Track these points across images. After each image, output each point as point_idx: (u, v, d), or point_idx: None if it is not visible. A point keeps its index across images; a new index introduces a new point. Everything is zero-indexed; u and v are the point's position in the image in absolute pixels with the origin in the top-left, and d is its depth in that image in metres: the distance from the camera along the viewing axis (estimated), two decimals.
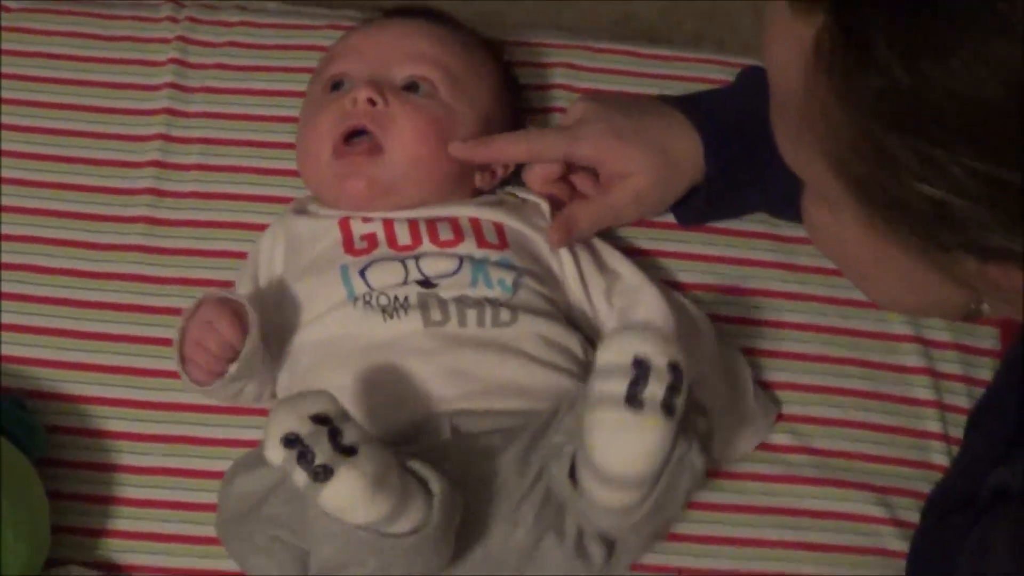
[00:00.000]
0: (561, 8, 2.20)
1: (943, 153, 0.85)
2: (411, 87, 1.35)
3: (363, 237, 1.32)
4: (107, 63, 1.55)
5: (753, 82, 1.40)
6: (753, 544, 1.36)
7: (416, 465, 1.13)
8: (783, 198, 1.15)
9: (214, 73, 1.55)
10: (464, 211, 1.35)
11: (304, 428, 1.05)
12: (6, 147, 1.49)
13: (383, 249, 1.31)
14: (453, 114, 1.36)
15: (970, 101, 0.83)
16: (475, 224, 1.34)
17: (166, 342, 1.37)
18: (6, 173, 1.47)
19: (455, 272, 1.29)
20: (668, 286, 1.41)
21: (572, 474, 1.14)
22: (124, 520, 1.34)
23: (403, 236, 1.32)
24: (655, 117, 1.39)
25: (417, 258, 1.30)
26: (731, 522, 1.36)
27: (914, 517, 1.36)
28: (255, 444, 1.30)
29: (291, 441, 1.04)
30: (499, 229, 1.35)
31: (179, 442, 1.36)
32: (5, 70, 1.54)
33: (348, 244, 1.32)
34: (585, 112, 1.38)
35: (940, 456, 1.41)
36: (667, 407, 1.07)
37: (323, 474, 1.04)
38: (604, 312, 1.36)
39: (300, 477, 1.04)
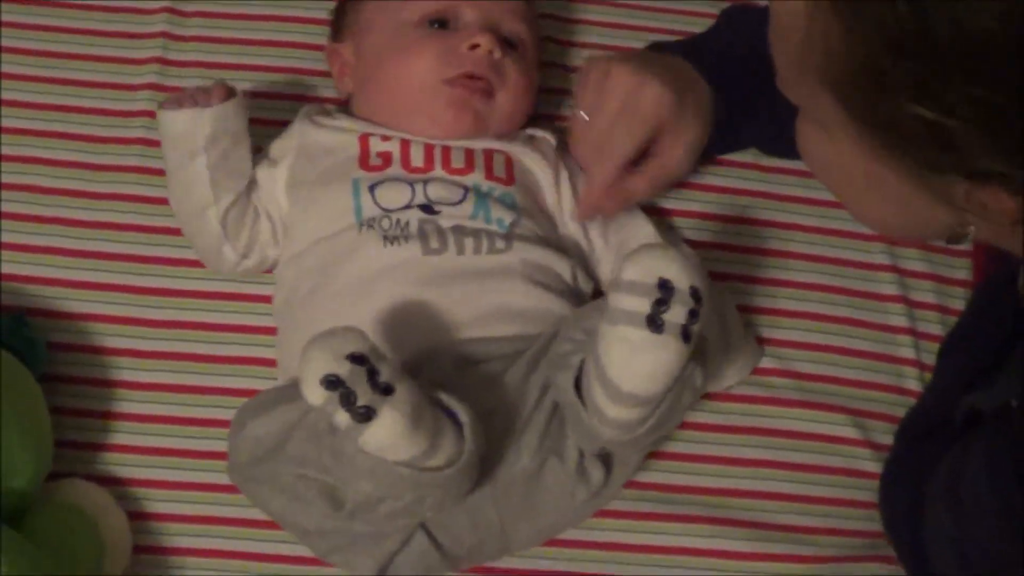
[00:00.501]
0: None
1: (938, 77, 0.89)
2: (512, 44, 1.39)
3: (379, 154, 1.35)
4: None
5: (735, 23, 1.44)
6: (735, 463, 1.40)
7: (444, 396, 1.15)
8: (771, 133, 1.18)
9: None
10: (479, 143, 1.38)
11: (343, 369, 1.06)
12: (5, 70, 1.50)
13: (396, 169, 1.34)
14: (534, 75, 1.42)
15: (965, 29, 0.87)
16: (487, 155, 1.37)
17: (165, 261, 1.42)
18: (4, 95, 1.49)
19: (459, 202, 1.32)
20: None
21: (577, 385, 1.17)
22: (123, 435, 1.36)
23: (417, 158, 1.35)
24: (679, 70, 1.37)
25: (426, 182, 1.33)
26: (714, 441, 1.40)
27: (888, 440, 1.40)
28: (256, 361, 1.38)
29: (332, 382, 1.06)
30: (508, 163, 1.37)
31: (178, 359, 1.39)
32: None
33: (364, 159, 1.35)
34: (631, 79, 1.33)
35: (913, 382, 1.45)
36: (685, 332, 1.10)
37: (366, 415, 1.06)
38: (600, 247, 1.40)
39: (343, 418, 1.06)
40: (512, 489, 1.24)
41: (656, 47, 1.46)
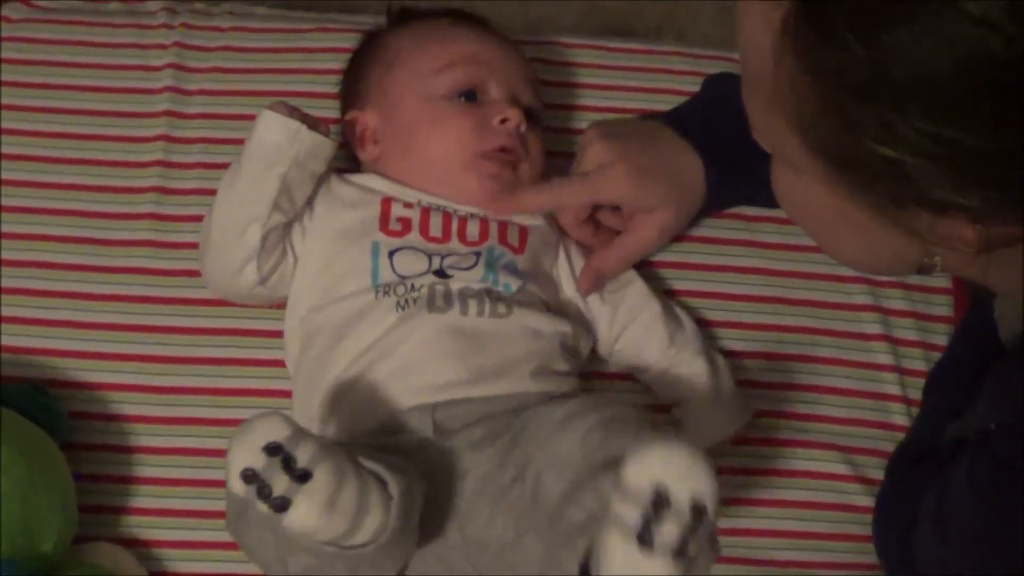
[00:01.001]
0: (528, 2, 2.27)
1: (897, 117, 0.95)
2: (530, 114, 1.44)
3: (399, 219, 1.39)
4: (109, 69, 1.61)
5: (718, 89, 1.50)
6: (732, 503, 1.43)
7: (374, 466, 1.14)
8: (758, 188, 1.23)
9: (211, 76, 1.61)
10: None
11: (259, 462, 1.07)
12: (20, 151, 1.55)
13: (414, 236, 1.38)
14: (543, 142, 1.47)
15: (920, 70, 0.92)
16: (502, 226, 1.41)
17: (176, 330, 1.47)
18: (21, 176, 1.54)
19: (470, 267, 1.36)
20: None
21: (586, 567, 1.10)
22: (144, 498, 1.41)
23: (435, 228, 1.39)
24: (664, 144, 1.44)
25: (443, 256, 1.36)
26: None
27: (878, 474, 1.43)
28: None
29: (248, 476, 1.07)
30: (522, 233, 1.42)
31: (192, 423, 1.43)
32: (7, 78, 1.60)
33: (384, 222, 1.38)
34: (604, 155, 1.41)
35: (900, 417, 1.49)
36: (679, 552, 1.00)
37: (281, 505, 1.07)
38: (596, 306, 1.45)
39: (262, 508, 1.08)
40: (486, 549, 1.24)
41: (649, 118, 1.51)
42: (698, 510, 1.01)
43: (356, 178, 1.44)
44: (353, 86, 1.50)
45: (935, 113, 0.94)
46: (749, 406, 1.46)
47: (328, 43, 1.59)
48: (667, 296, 1.49)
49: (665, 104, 1.56)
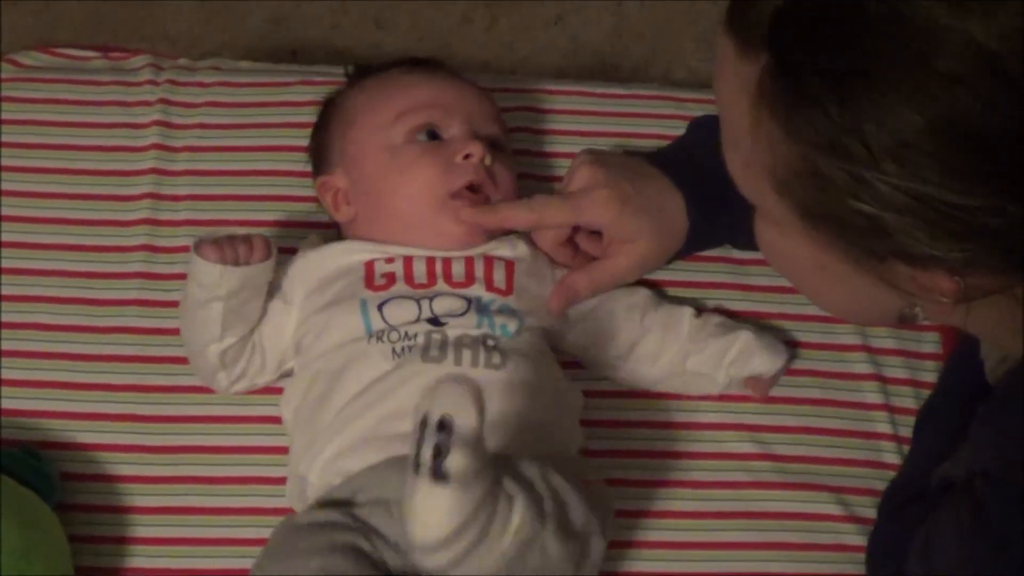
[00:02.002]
0: (514, 41, 2.28)
1: (871, 173, 0.96)
2: (494, 145, 1.45)
3: (383, 275, 1.40)
4: (96, 127, 1.62)
5: (702, 132, 1.49)
6: (722, 547, 1.44)
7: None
8: (741, 229, 1.24)
9: (196, 132, 1.62)
10: (478, 249, 1.44)
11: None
12: (11, 212, 1.56)
13: (400, 286, 1.39)
14: (514, 168, 1.48)
15: (892, 127, 0.94)
16: (487, 265, 1.42)
17: (167, 389, 1.47)
18: (12, 237, 1.54)
19: (463, 314, 1.37)
20: None
21: None
22: (139, 558, 1.40)
23: (420, 274, 1.40)
24: (650, 179, 1.45)
25: (431, 299, 1.38)
26: (700, 528, 1.44)
27: (870, 514, 1.44)
28: (261, 480, 1.43)
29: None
30: (509, 271, 1.43)
31: (185, 482, 1.43)
32: (4, 138, 1.61)
33: (369, 281, 1.40)
34: (590, 179, 1.43)
35: (892, 455, 1.49)
36: (436, 473, 1.04)
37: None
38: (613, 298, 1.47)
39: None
40: None
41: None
42: (446, 427, 1.03)
43: (336, 251, 1.44)
44: (318, 152, 1.52)
45: (910, 169, 0.95)
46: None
47: (313, 96, 1.60)
48: None
49: (651, 149, 1.57)
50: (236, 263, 1.34)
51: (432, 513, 1.06)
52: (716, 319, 1.49)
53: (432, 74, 1.51)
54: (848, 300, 1.16)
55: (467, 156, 1.42)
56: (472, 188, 1.42)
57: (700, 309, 1.50)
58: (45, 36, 1.84)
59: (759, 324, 1.53)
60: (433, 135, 1.44)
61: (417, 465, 1.04)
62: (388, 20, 2.29)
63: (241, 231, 1.38)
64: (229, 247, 1.35)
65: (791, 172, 1.02)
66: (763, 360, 1.47)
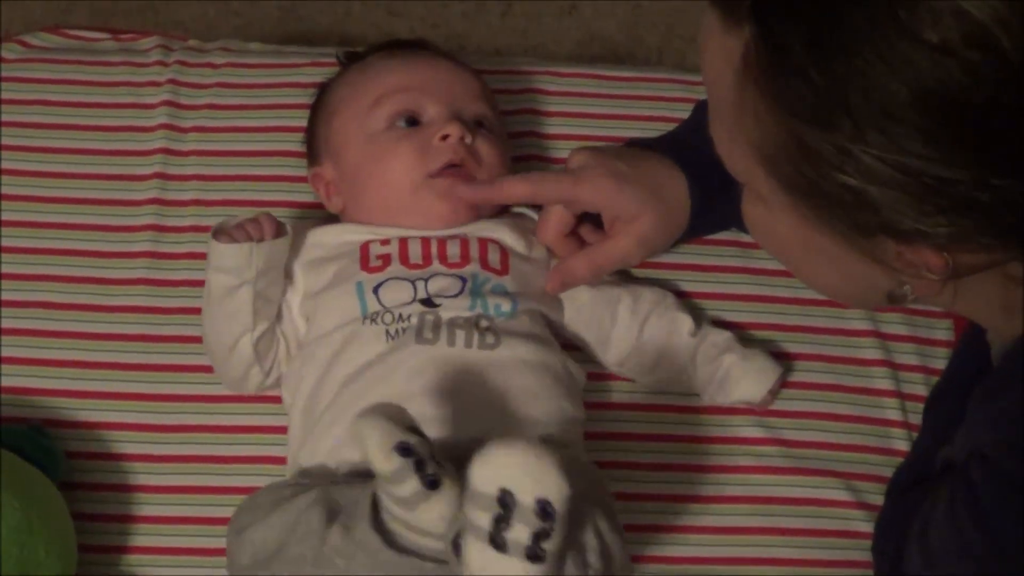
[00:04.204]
0: (527, 29, 2.28)
1: (856, 145, 0.95)
2: (479, 124, 1.45)
3: (378, 256, 1.40)
4: (104, 107, 1.62)
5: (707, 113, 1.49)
6: (730, 532, 1.43)
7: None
8: None
9: (205, 113, 1.62)
10: (475, 228, 1.43)
11: (412, 438, 1.05)
12: (12, 191, 1.56)
13: (396, 267, 1.39)
14: (503, 146, 1.47)
15: (877, 97, 0.93)
16: (482, 246, 1.42)
17: (173, 368, 1.48)
18: (19, 216, 1.55)
19: (457, 294, 1.36)
20: None
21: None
22: (143, 536, 1.41)
23: (415, 255, 1.40)
24: (649, 161, 1.44)
25: (427, 280, 1.37)
26: (709, 512, 1.44)
27: (879, 500, 1.42)
28: (265, 459, 1.42)
29: (406, 450, 1.04)
30: (503, 253, 1.42)
31: (192, 461, 1.44)
32: (4, 118, 1.61)
33: (364, 263, 1.39)
34: (586, 159, 1.42)
35: (901, 442, 1.49)
36: (532, 554, 1.01)
37: (432, 483, 1.05)
38: (615, 292, 1.46)
39: (412, 485, 1.05)
40: None
41: (636, 143, 1.51)
42: (544, 510, 1.00)
43: (331, 232, 1.45)
44: (310, 144, 1.52)
45: (895, 141, 0.94)
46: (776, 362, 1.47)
47: (322, 77, 1.59)
48: None
49: (659, 132, 1.55)
50: (258, 242, 1.35)
51: None
52: (712, 338, 1.46)
53: (412, 57, 1.51)
54: (836, 279, 1.15)
55: (444, 137, 1.42)
56: (453, 168, 1.42)
57: (699, 319, 1.48)
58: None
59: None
60: (412, 120, 1.44)
61: (502, 543, 1.01)
62: (400, 7, 2.29)
63: (246, 215, 1.38)
64: (240, 231, 1.35)
65: (776, 146, 1.01)
66: (747, 387, 1.45)
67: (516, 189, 1.42)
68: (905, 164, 0.94)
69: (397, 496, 1.07)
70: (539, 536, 1.01)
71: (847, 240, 1.04)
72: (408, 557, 1.12)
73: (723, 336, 1.46)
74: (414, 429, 1.07)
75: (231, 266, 1.35)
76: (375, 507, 1.14)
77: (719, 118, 1.08)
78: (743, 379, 1.45)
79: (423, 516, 1.08)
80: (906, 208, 0.97)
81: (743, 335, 1.51)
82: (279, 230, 1.37)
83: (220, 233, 1.35)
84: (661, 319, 1.46)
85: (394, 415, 1.07)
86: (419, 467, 1.05)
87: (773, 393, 1.46)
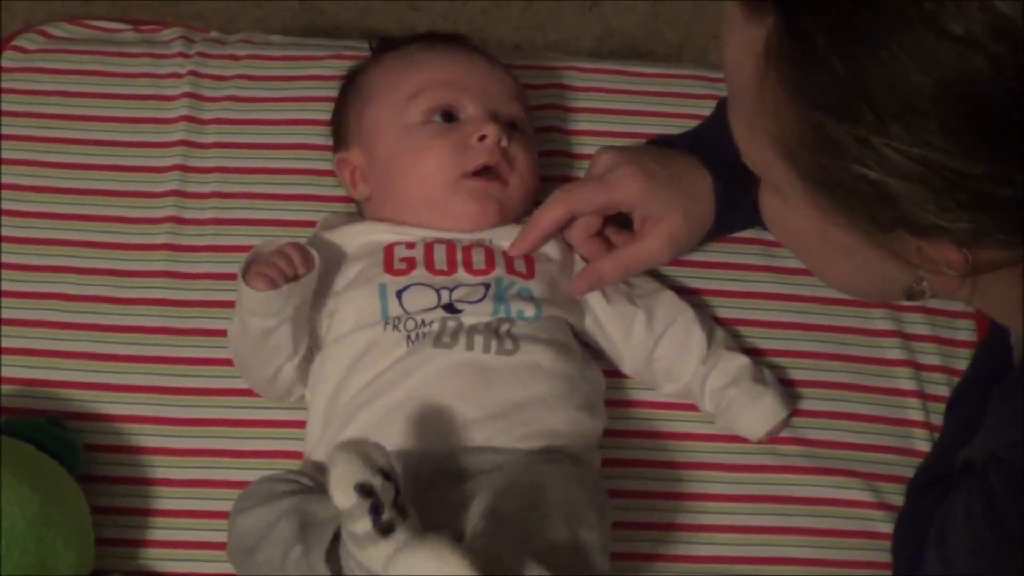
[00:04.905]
0: (547, 24, 2.27)
1: (878, 138, 0.94)
2: (513, 126, 1.44)
3: (403, 259, 1.39)
4: (124, 99, 1.62)
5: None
6: (750, 531, 1.43)
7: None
8: None
9: (226, 105, 1.62)
10: (500, 235, 1.43)
11: (376, 480, 1.06)
12: (33, 183, 1.56)
13: (420, 271, 1.38)
14: (534, 149, 1.47)
15: (900, 90, 0.92)
16: (507, 254, 1.41)
17: (193, 361, 1.47)
18: (37, 207, 1.55)
19: (479, 300, 1.36)
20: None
21: None
22: (161, 530, 1.40)
23: (440, 261, 1.39)
24: (675, 159, 1.43)
25: (451, 289, 1.36)
26: (729, 511, 1.43)
27: (899, 501, 1.42)
28: (283, 454, 1.41)
29: (367, 491, 1.05)
30: (529, 257, 1.41)
31: (210, 455, 1.43)
32: (24, 108, 1.61)
33: (388, 264, 1.38)
34: (612, 160, 1.41)
35: (923, 443, 1.47)
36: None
37: (387, 528, 1.05)
38: (629, 310, 1.44)
39: (364, 525, 1.06)
40: None
41: (661, 140, 1.51)
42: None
43: (355, 231, 1.44)
44: (338, 128, 1.51)
45: (918, 134, 0.93)
46: (788, 397, 1.46)
47: (344, 70, 1.58)
48: None
49: (682, 128, 1.55)
50: (286, 279, 1.33)
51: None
52: (722, 366, 1.44)
53: (451, 51, 1.50)
54: (852, 274, 1.14)
55: (482, 138, 1.41)
56: (487, 170, 1.41)
57: (713, 341, 1.46)
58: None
59: (788, 310, 1.52)
60: (449, 116, 1.43)
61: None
62: (421, 3, 2.29)
63: (274, 245, 1.36)
64: (274, 270, 1.33)
65: (797, 137, 1.00)
66: (748, 425, 1.43)
67: (550, 217, 1.41)
68: (926, 157, 0.93)
69: (351, 532, 1.08)
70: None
71: (865, 234, 1.04)
72: None
73: (734, 364, 1.44)
74: (384, 471, 1.07)
75: (268, 311, 1.33)
76: (337, 536, 1.14)
77: (739, 109, 1.07)
78: (743, 416, 1.43)
79: (371, 556, 1.07)
80: (926, 202, 0.96)
81: (764, 334, 1.51)
82: (308, 261, 1.35)
83: (249, 275, 1.33)
84: (674, 339, 1.44)
85: (368, 452, 1.08)
86: (375, 510, 1.06)
87: (772, 435, 1.45)
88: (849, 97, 0.94)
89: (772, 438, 1.46)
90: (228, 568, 1.36)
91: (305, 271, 1.34)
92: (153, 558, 1.40)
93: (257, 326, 1.34)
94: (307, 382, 1.39)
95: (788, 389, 1.47)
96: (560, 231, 1.44)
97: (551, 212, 1.41)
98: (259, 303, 1.32)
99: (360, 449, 1.08)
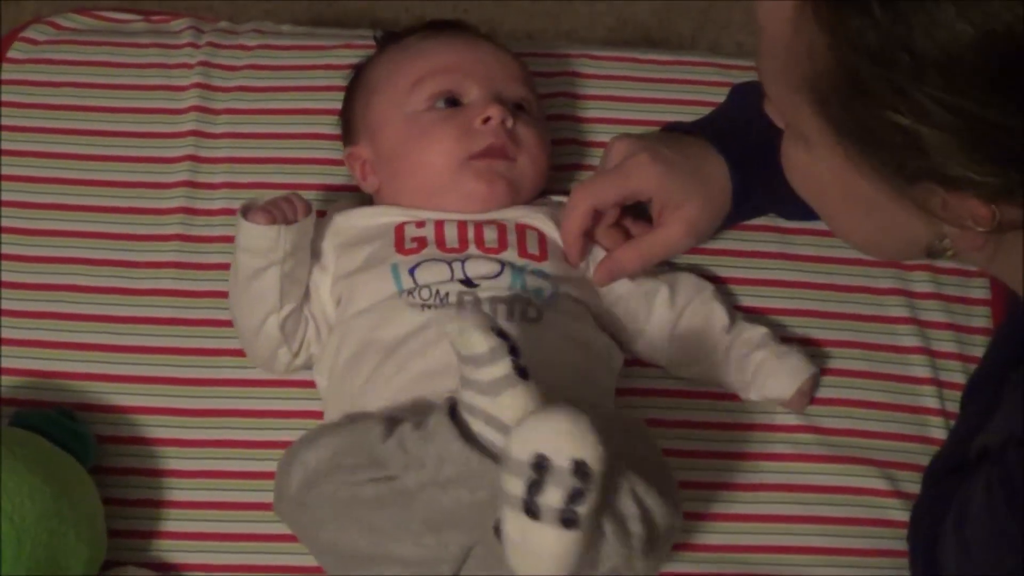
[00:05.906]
0: (560, 13, 2.27)
1: (914, 85, 0.94)
2: (519, 107, 1.44)
3: (414, 239, 1.39)
4: (134, 89, 1.62)
5: (743, 98, 1.48)
6: (765, 520, 1.42)
7: None
8: (787, 198, 1.22)
9: (236, 95, 1.62)
10: (513, 214, 1.43)
11: (508, 327, 1.07)
12: (43, 174, 1.56)
13: (431, 249, 1.38)
14: (543, 130, 1.47)
15: (943, 39, 0.92)
16: (520, 232, 1.41)
17: (204, 351, 1.47)
18: (49, 199, 1.54)
19: (496, 275, 1.36)
20: None
21: None
22: (173, 522, 1.40)
23: (452, 239, 1.39)
24: (691, 147, 1.43)
25: (463, 261, 1.36)
26: (745, 500, 1.42)
27: (915, 489, 1.40)
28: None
29: (503, 334, 1.06)
30: (541, 239, 1.41)
31: (222, 446, 1.43)
32: (34, 100, 1.61)
33: (399, 244, 1.39)
34: (628, 148, 1.41)
35: (938, 431, 1.47)
36: (566, 519, 1.01)
37: (523, 372, 1.05)
38: (651, 286, 1.44)
39: (503, 367, 1.05)
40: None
41: (674, 127, 1.50)
42: (581, 472, 1.00)
43: (365, 213, 1.44)
44: (346, 123, 1.52)
45: (954, 83, 0.93)
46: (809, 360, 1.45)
47: (355, 59, 1.58)
48: None
49: (695, 116, 1.54)
50: (287, 222, 1.34)
51: (553, 557, 1.02)
52: (746, 334, 1.44)
53: (452, 38, 1.50)
54: (874, 229, 1.13)
55: (486, 120, 1.41)
56: (493, 150, 1.41)
57: (734, 314, 1.46)
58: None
59: (802, 297, 1.52)
60: (453, 101, 1.43)
61: (535, 509, 1.00)
62: None
63: (279, 195, 1.38)
64: (276, 209, 1.35)
65: (830, 81, 0.99)
66: (778, 384, 1.43)
67: (576, 217, 1.40)
68: (961, 107, 0.93)
69: (484, 382, 1.06)
70: (573, 498, 1.00)
71: (891, 185, 1.03)
72: (476, 452, 1.09)
73: (758, 332, 1.44)
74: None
75: (259, 247, 1.34)
76: (451, 409, 1.12)
77: (771, 53, 1.06)
78: (773, 376, 1.43)
79: (505, 403, 1.06)
80: (957, 153, 0.95)
81: (780, 321, 1.50)
82: (307, 208, 1.37)
83: (254, 211, 1.35)
84: (696, 314, 1.45)
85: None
86: (513, 352, 1.05)
87: (804, 393, 1.44)
88: (887, 42, 0.94)
89: (786, 426, 1.45)
90: (240, 559, 1.38)
91: (302, 217, 1.35)
92: (165, 549, 1.39)
93: (246, 264, 1.35)
94: (294, 350, 1.40)
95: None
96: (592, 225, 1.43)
97: (576, 211, 1.40)
98: (252, 238, 1.34)
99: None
